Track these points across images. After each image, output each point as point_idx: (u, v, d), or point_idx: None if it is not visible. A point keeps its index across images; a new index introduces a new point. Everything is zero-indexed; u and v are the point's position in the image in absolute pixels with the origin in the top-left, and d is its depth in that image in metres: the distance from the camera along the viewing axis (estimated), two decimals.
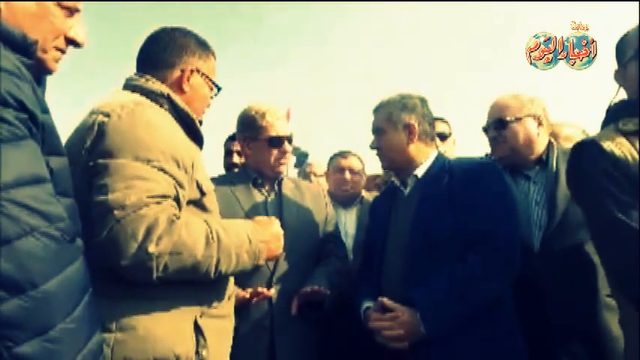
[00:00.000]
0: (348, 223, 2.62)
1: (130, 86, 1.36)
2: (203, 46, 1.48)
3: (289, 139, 2.07)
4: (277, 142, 2.03)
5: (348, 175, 2.65)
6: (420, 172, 1.81)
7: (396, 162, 1.87)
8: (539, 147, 1.92)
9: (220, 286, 1.35)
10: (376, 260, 1.82)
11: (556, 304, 1.69)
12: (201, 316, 1.25)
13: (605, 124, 1.38)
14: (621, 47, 1.38)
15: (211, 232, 1.21)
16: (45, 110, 0.89)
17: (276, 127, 2.03)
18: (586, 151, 1.29)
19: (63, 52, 1.04)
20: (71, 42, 1.05)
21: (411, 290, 1.60)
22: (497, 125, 1.94)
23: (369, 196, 2.75)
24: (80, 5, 1.05)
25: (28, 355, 0.76)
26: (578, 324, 1.68)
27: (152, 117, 1.22)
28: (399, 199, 1.88)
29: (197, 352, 1.21)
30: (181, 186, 1.21)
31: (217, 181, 2.03)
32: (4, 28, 0.86)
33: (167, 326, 1.17)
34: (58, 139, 0.96)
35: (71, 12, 1.04)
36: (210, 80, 1.49)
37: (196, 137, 1.41)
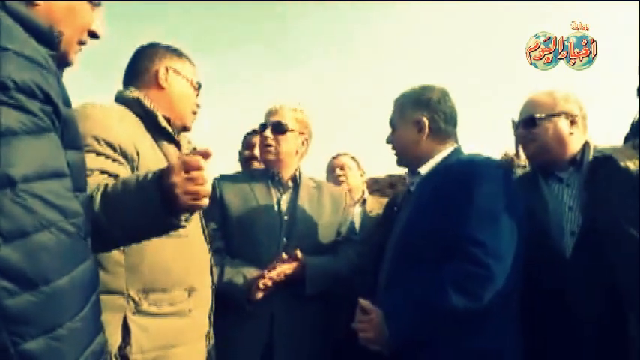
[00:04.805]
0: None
1: (116, 98, 1.54)
2: (175, 52, 1.60)
3: (275, 126, 2.03)
4: (260, 127, 2.08)
5: (339, 171, 2.82)
6: (424, 169, 1.70)
7: (406, 159, 1.79)
8: (573, 147, 1.79)
9: (169, 282, 1.39)
10: (375, 260, 1.78)
11: (586, 314, 1.60)
12: (134, 314, 1.30)
13: (627, 139, 1.36)
14: None
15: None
16: (67, 103, 0.88)
17: (265, 115, 2.08)
18: (602, 168, 1.27)
19: (84, 44, 1.05)
20: (91, 34, 1.06)
21: (386, 294, 1.58)
22: (527, 123, 1.84)
23: (372, 201, 2.78)
24: None
25: (34, 351, 0.74)
26: (608, 332, 1.57)
27: (91, 112, 1.35)
28: (406, 198, 1.82)
29: (120, 348, 1.27)
30: (116, 161, 1.30)
31: (238, 177, 2.10)
32: (32, 20, 0.86)
33: None
34: (77, 133, 0.94)
35: (94, 5, 1.05)
36: (188, 78, 1.58)
37: (169, 135, 1.50)
